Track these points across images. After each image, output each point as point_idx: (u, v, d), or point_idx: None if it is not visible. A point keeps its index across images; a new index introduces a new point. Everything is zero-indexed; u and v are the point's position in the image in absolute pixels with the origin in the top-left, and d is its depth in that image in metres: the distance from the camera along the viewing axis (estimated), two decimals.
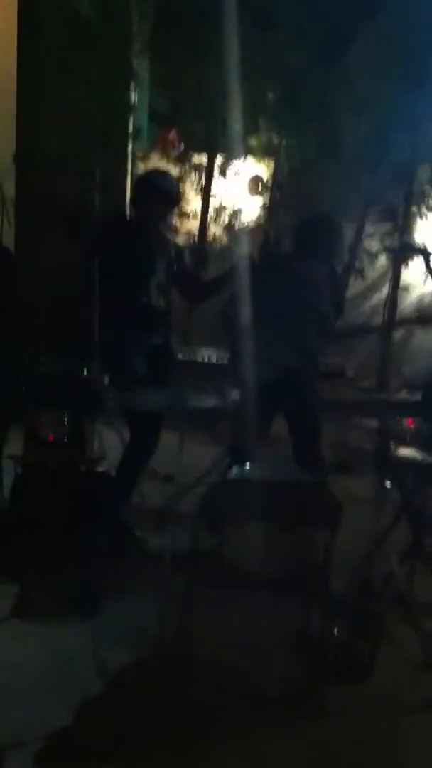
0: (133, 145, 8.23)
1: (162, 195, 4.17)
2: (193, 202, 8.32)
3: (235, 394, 3.76)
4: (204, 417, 4.35)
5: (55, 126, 7.08)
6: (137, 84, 7.96)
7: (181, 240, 7.59)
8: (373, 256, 8.80)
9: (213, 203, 8.01)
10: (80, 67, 7.27)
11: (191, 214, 8.27)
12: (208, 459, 4.25)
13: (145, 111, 8.55)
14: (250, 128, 8.05)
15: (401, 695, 3.09)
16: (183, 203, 8.32)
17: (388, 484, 3.63)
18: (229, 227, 8.14)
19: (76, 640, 3.25)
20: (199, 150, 8.16)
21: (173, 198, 4.34)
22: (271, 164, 8.14)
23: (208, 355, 5.15)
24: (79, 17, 7.18)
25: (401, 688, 3.13)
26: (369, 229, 8.68)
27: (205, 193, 8.10)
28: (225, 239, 8.11)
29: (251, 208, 8.28)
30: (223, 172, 7.98)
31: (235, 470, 3.40)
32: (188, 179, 8.22)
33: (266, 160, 8.20)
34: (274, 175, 8.33)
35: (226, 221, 8.20)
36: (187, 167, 8.18)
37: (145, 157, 8.35)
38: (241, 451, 3.86)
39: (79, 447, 4.03)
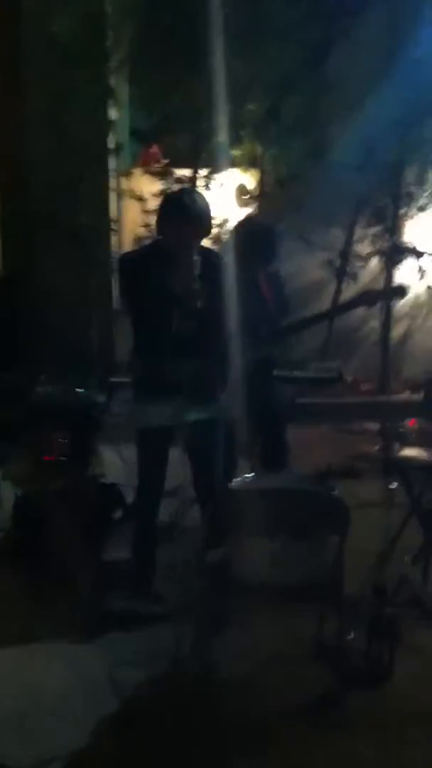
0: (115, 162, 8.22)
1: (190, 218, 3.65)
2: None
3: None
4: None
5: (37, 144, 7.12)
6: (117, 101, 7.97)
7: None
8: (365, 260, 8.80)
9: None
10: (60, 85, 7.31)
11: None
12: None
13: (126, 128, 8.54)
14: (233, 139, 8.05)
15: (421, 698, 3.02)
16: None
17: (394, 485, 3.58)
18: (217, 239, 8.10)
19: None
20: (182, 164, 8.14)
21: (204, 221, 3.74)
22: (257, 174, 8.11)
23: None
24: (57, 38, 7.22)
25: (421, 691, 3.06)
26: (359, 233, 8.67)
27: None
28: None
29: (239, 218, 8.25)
30: (207, 185, 7.95)
31: (236, 481, 3.34)
32: None
33: (251, 170, 8.17)
34: (260, 184, 8.31)
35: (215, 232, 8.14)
36: (170, 182, 8.16)
37: (128, 174, 8.33)
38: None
39: (79, 465, 3.99)
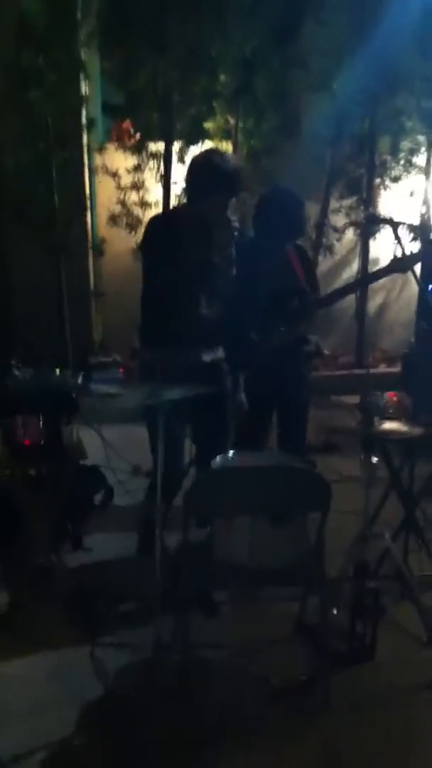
0: (87, 137, 8.12)
1: (224, 181, 3.39)
2: (153, 191, 8.23)
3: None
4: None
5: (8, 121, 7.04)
6: (87, 76, 7.86)
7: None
8: (341, 232, 8.79)
9: (174, 190, 7.90)
10: (30, 62, 7.22)
11: (153, 203, 8.18)
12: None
13: (98, 103, 8.44)
14: (206, 113, 7.97)
15: (405, 675, 3.05)
16: (143, 192, 8.25)
17: (374, 459, 3.57)
18: None
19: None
20: (155, 138, 8.05)
21: (238, 183, 3.46)
22: (230, 146, 8.02)
23: None
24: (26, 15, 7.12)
25: (405, 668, 3.09)
26: (334, 204, 8.66)
27: (165, 181, 8.00)
28: None
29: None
30: (181, 159, 7.87)
31: (218, 459, 3.31)
32: (146, 168, 8.13)
33: (224, 142, 8.08)
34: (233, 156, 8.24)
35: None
36: (144, 156, 8.08)
37: (101, 149, 8.23)
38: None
39: (58, 449, 3.95)
